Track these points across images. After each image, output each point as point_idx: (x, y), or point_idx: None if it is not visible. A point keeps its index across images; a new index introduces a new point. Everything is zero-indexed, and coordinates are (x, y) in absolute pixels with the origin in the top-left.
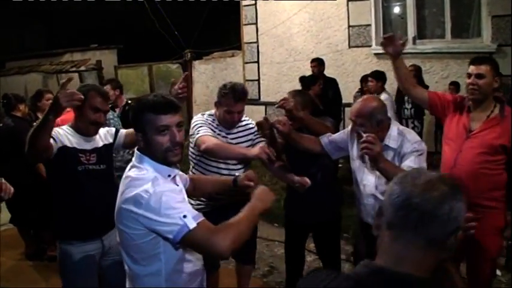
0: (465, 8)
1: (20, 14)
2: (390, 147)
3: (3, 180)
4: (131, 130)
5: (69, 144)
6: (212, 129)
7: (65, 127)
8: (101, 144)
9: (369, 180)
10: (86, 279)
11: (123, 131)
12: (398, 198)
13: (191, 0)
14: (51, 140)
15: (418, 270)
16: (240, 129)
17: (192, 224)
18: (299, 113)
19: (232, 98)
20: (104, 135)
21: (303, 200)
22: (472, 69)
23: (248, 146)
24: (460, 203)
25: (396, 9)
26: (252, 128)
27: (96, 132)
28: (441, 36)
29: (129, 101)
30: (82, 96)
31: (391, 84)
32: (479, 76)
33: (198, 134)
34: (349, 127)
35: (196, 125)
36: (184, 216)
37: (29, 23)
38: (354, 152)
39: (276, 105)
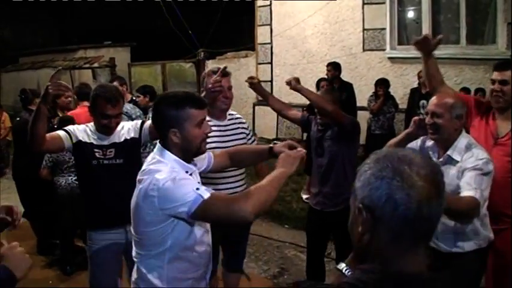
0: (480, 15)
1: (34, 9)
2: (453, 160)
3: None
4: None
5: (86, 140)
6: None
7: (89, 125)
8: (122, 139)
9: None
10: (109, 265)
11: (147, 124)
12: (408, 211)
13: (205, 0)
14: (64, 134)
15: (421, 268)
16: (232, 121)
17: (205, 194)
18: (298, 85)
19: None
20: (128, 130)
21: (319, 188)
22: (495, 75)
23: (243, 138)
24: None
25: (411, 14)
26: (244, 123)
27: (111, 133)
28: (456, 42)
29: (134, 98)
30: (68, 86)
31: (396, 89)
32: (503, 82)
33: None
34: (419, 139)
35: None
36: (197, 189)
37: (43, 19)
38: None
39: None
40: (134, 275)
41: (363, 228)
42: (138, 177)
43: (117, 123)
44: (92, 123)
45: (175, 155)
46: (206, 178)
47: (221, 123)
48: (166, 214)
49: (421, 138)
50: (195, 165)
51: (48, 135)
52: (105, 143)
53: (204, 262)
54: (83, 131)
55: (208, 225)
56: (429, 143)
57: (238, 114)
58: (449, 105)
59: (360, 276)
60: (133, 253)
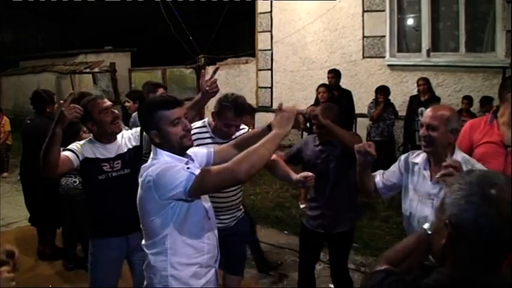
0: (480, 22)
1: (35, 14)
2: None
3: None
4: None
5: (91, 156)
6: (203, 139)
7: (87, 140)
8: (125, 149)
9: (424, 213)
10: (110, 270)
11: None
12: (491, 236)
13: (206, 4)
14: (71, 154)
15: (491, 272)
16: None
17: (196, 171)
18: (325, 120)
19: (234, 112)
20: (129, 139)
21: (322, 211)
22: None
23: None
24: None
25: (411, 22)
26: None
27: (118, 130)
28: (455, 49)
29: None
30: (82, 109)
31: (396, 97)
32: None
33: None
34: (402, 157)
35: None
36: (188, 168)
37: (43, 23)
38: (409, 182)
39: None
40: (144, 264)
41: (446, 241)
42: (139, 176)
43: (118, 115)
44: (91, 137)
45: (166, 151)
46: None
47: (225, 141)
48: (166, 200)
49: (403, 157)
50: (191, 158)
51: None
52: (111, 155)
53: (208, 248)
54: (87, 147)
55: (210, 213)
56: (418, 158)
57: (245, 128)
58: (445, 118)
59: (438, 277)
60: (142, 242)
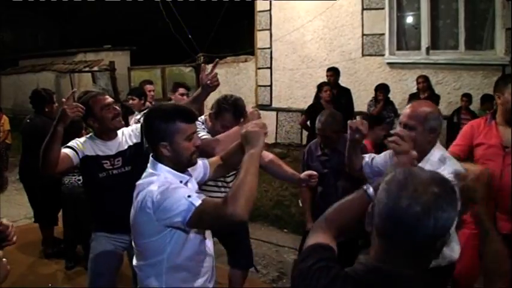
0: (479, 20)
1: (34, 13)
2: None
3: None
4: None
5: (91, 153)
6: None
7: (88, 136)
8: (125, 146)
9: None
10: (108, 261)
11: None
12: (384, 209)
13: (206, 3)
14: (71, 152)
15: (408, 268)
16: None
17: (197, 202)
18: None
19: (233, 114)
20: (129, 136)
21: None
22: None
23: None
24: (448, 211)
25: (410, 19)
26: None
27: (120, 126)
28: (454, 47)
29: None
30: (84, 108)
31: (395, 95)
32: None
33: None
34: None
35: None
36: (189, 196)
37: (43, 22)
38: None
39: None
40: (138, 285)
41: (367, 221)
42: (134, 192)
43: (120, 111)
44: (91, 134)
45: (168, 166)
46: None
47: None
48: (163, 225)
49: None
50: (190, 175)
51: None
52: (112, 152)
53: (204, 271)
54: (87, 144)
55: (207, 234)
56: None
57: None
58: (422, 116)
59: (356, 266)
60: (134, 262)
